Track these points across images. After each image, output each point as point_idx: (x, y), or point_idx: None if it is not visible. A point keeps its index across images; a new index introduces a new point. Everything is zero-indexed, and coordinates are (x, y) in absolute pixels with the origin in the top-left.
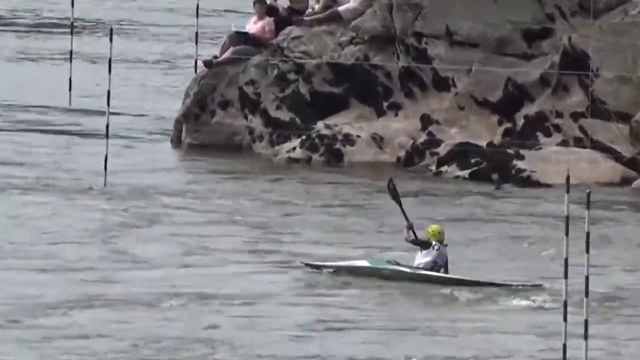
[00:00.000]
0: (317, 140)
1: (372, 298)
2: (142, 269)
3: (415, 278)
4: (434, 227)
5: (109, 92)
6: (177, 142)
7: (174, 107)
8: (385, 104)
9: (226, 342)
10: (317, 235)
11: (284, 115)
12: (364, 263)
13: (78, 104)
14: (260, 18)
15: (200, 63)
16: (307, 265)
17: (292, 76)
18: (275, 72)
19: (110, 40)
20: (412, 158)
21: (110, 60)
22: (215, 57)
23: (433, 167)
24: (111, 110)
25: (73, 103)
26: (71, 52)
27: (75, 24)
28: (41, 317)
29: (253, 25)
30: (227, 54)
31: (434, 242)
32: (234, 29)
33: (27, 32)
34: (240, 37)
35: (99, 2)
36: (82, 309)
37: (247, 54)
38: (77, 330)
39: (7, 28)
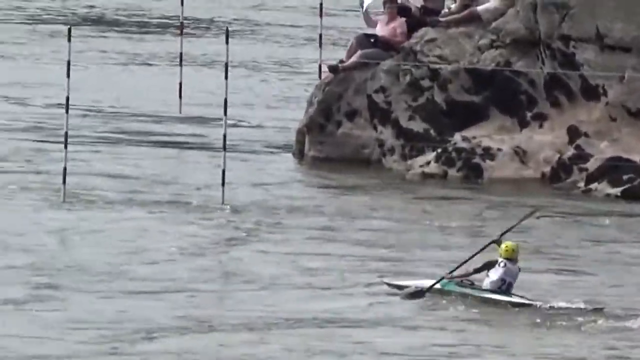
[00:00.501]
0: (453, 154)
1: (492, 321)
2: (254, 289)
3: (483, 301)
4: (509, 244)
5: (225, 99)
6: (299, 155)
7: (296, 116)
8: (528, 115)
9: None
10: (441, 256)
11: (417, 126)
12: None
13: (189, 112)
14: (392, 19)
15: (324, 68)
16: (388, 284)
17: (426, 83)
18: (408, 78)
19: (226, 42)
20: (558, 174)
21: (226, 64)
22: (342, 61)
23: (581, 184)
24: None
25: (183, 111)
26: (181, 55)
27: (184, 23)
28: (147, 343)
29: (383, 27)
30: (354, 58)
31: (499, 260)
32: (365, 16)
33: (132, 33)
34: (369, 40)
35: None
36: (192, 333)
37: (377, 59)
38: (190, 358)
39: (111, 28)
